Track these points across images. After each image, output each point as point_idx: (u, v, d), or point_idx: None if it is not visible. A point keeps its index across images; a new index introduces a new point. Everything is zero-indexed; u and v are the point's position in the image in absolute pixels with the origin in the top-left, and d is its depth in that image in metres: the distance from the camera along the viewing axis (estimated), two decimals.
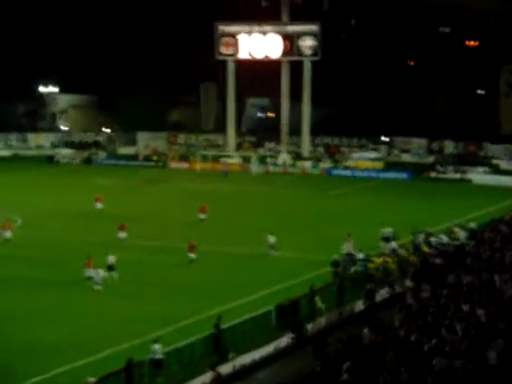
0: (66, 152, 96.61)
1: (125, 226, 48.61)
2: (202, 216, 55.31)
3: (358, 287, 36.95)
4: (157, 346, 28.03)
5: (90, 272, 38.98)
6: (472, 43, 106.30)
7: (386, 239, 45.53)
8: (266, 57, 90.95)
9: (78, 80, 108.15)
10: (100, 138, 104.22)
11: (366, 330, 26.46)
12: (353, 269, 39.30)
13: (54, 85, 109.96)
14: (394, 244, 44.11)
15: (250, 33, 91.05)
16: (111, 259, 39.85)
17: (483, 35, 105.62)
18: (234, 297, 36.92)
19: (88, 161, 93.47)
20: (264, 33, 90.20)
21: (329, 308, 34.66)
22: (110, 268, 39.58)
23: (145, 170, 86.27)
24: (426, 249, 42.07)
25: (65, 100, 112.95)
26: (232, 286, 39.17)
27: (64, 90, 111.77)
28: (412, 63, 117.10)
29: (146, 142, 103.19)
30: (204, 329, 30.86)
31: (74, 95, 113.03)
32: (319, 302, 34.17)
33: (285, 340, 31.05)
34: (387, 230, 46.63)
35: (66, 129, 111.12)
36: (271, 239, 45.92)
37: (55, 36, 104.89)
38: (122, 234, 48.20)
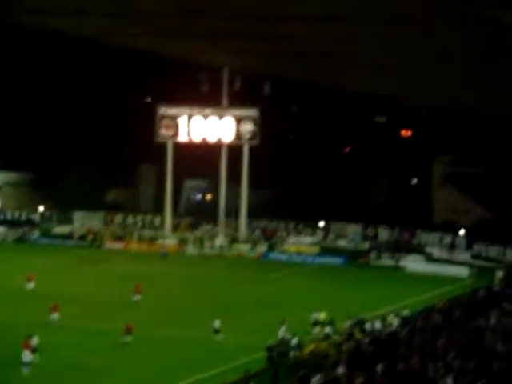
0: None
1: (57, 306, 47.63)
2: (137, 297, 54.59)
3: (293, 373, 36.66)
4: None
5: (26, 355, 37.71)
6: (406, 133, 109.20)
7: (320, 324, 45.56)
8: (205, 140, 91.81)
9: (12, 157, 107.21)
10: (34, 217, 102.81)
11: None
12: (291, 353, 39.01)
13: None
14: (328, 329, 44.21)
15: (190, 116, 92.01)
16: (34, 341, 38.66)
17: (417, 126, 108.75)
18: (166, 382, 36.27)
19: (21, 239, 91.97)
20: (204, 116, 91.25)
21: None
22: (34, 351, 38.31)
23: (80, 250, 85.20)
24: (359, 335, 42.15)
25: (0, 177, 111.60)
26: (166, 370, 38.52)
27: None
28: (347, 150, 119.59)
29: (82, 221, 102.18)
30: None
31: (8, 173, 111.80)
32: None
33: None
34: (321, 316, 46.72)
35: (0, 206, 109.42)
36: (216, 323, 45.41)
37: None
38: (55, 315, 47.16)
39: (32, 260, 74.91)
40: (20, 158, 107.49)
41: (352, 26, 15.79)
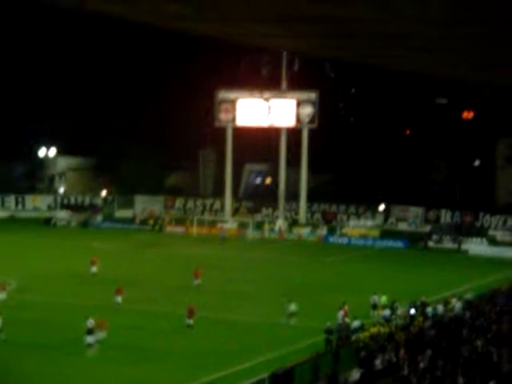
0: (62, 214, 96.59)
1: (121, 289, 48.39)
2: (197, 281, 55.07)
3: (354, 356, 36.67)
4: None
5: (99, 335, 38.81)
6: (468, 115, 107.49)
7: (380, 307, 45.42)
8: (265, 124, 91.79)
9: (76, 143, 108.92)
10: (97, 201, 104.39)
11: None
12: (354, 337, 38.92)
13: (53, 147, 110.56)
14: (387, 312, 44.05)
15: (249, 99, 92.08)
16: (90, 323, 39.42)
17: (479, 107, 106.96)
18: (228, 364, 36.58)
19: (85, 224, 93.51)
20: (263, 99, 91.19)
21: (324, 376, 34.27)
22: (90, 332, 38.97)
23: (141, 234, 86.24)
24: (420, 319, 41.82)
25: (63, 162, 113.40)
26: (227, 353, 38.82)
27: (63, 152, 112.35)
28: (408, 132, 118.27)
29: (144, 205, 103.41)
30: None
31: (72, 157, 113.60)
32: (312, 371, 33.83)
33: None
34: (382, 299, 46.56)
35: (64, 191, 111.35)
36: (291, 307, 45.07)
37: (56, 99, 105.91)
38: (118, 298, 47.96)
39: (95, 244, 76.10)
40: (83, 143, 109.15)
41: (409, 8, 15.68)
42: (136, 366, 36.49)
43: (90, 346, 38.20)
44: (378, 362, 36.28)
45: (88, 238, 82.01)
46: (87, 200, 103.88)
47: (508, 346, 31.72)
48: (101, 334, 38.67)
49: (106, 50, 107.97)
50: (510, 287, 48.96)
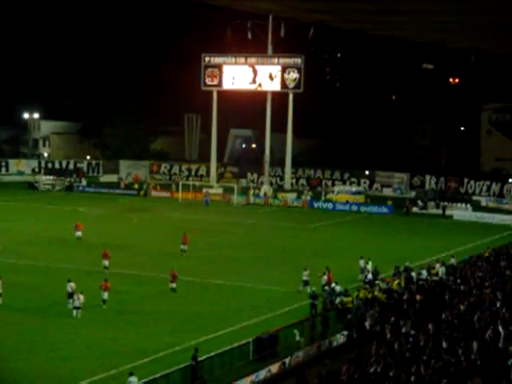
0: (47, 179, 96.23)
1: (107, 253, 48.45)
2: (184, 247, 55.14)
3: (339, 320, 36.98)
4: (132, 379, 27.77)
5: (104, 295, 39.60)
6: (454, 80, 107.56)
7: (365, 272, 45.70)
8: (250, 88, 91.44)
9: (61, 107, 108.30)
10: (82, 166, 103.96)
11: (344, 365, 26.37)
12: (337, 300, 39.14)
13: (37, 111, 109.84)
14: (370, 276, 44.36)
15: (235, 64, 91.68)
16: (71, 286, 39.45)
17: (465, 73, 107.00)
18: (212, 328, 36.76)
19: (69, 188, 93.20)
20: (249, 65, 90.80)
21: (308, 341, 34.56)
22: (70, 296, 39.02)
23: (126, 199, 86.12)
24: (403, 284, 42.03)
25: (47, 126, 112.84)
26: (211, 317, 39.00)
27: (47, 116, 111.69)
28: (394, 98, 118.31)
29: (128, 170, 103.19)
30: (182, 360, 30.68)
31: (56, 122, 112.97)
32: (298, 335, 34.08)
33: (263, 373, 30.88)
34: (367, 264, 46.84)
35: (48, 155, 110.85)
36: (305, 275, 44.23)
37: (40, 63, 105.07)
38: (106, 262, 48.07)
39: (80, 208, 75.93)
40: (67, 107, 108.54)
41: None
42: (121, 329, 36.62)
43: (74, 309, 38.24)
44: (367, 324, 36.55)
45: (72, 202, 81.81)
46: (71, 164, 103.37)
47: (489, 311, 32.00)
48: (81, 298, 38.50)
49: (92, 15, 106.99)
50: (494, 252, 49.32)
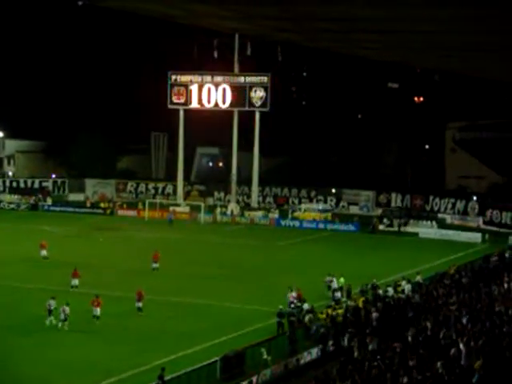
0: (11, 198, 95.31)
1: (77, 272, 48.19)
2: (155, 265, 55.02)
3: (307, 338, 37.06)
4: None
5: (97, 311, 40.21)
6: (419, 99, 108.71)
7: (336, 289, 45.86)
8: (217, 107, 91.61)
9: (25, 125, 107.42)
10: (47, 184, 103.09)
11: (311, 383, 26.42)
12: (306, 318, 39.22)
13: (1, 130, 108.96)
14: (338, 294, 44.54)
15: (201, 83, 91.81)
16: (51, 304, 39.74)
17: (429, 92, 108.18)
18: (179, 347, 36.62)
19: (34, 207, 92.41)
20: (216, 83, 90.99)
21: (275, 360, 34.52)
22: (50, 313, 39.46)
23: (92, 217, 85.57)
24: (370, 301, 42.23)
25: (12, 145, 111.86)
26: (178, 336, 38.88)
27: (11, 135, 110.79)
28: (360, 116, 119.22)
29: (95, 188, 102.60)
30: (148, 380, 30.49)
31: (21, 141, 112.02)
32: (265, 354, 34.05)
33: None
34: (340, 280, 47.07)
35: (12, 174, 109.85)
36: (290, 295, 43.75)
37: (2, 81, 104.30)
38: (75, 281, 47.80)
39: (45, 227, 75.31)
40: (32, 126, 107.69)
41: None
42: (86, 349, 36.35)
43: (60, 321, 38.96)
44: (329, 344, 36.69)
45: (38, 221, 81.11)
46: (37, 183, 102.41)
47: (455, 327, 32.26)
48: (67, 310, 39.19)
49: (55, 33, 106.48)
50: (459, 269, 49.73)
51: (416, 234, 78.28)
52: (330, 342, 36.04)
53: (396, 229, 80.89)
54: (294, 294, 43.09)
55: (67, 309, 39.07)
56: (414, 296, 41.39)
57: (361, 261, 62.27)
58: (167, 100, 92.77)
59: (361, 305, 40.57)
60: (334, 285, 46.91)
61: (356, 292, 45.24)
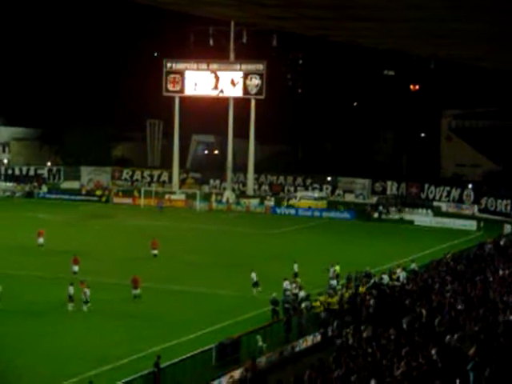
0: (6, 185, 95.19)
1: (77, 259, 48.25)
2: (155, 252, 55.19)
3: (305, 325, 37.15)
4: None
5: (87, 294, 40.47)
6: (415, 87, 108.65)
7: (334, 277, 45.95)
8: (212, 94, 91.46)
9: (21, 113, 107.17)
10: (42, 172, 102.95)
11: (307, 371, 26.47)
12: (303, 304, 39.27)
13: None
14: (334, 282, 44.58)
15: (197, 70, 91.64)
16: (71, 290, 40.54)
17: (425, 80, 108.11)
18: (175, 335, 36.66)
19: (29, 194, 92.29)
20: (211, 71, 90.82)
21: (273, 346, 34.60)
22: (70, 298, 40.50)
23: (88, 205, 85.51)
24: (362, 289, 42.22)
25: (7, 133, 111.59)
26: (173, 323, 38.91)
27: (6, 122, 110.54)
28: (355, 104, 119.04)
29: (90, 176, 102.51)
30: (144, 367, 30.54)
31: (16, 128, 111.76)
32: (260, 341, 34.10)
33: (224, 380, 30.85)
34: (336, 268, 47.09)
35: (8, 162, 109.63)
36: (253, 276, 45.36)
37: None
38: (75, 268, 47.87)
39: (41, 215, 75.25)
40: (28, 113, 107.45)
41: None
42: (82, 336, 36.39)
43: (84, 303, 40.12)
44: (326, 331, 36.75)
45: (33, 209, 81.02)
46: (32, 171, 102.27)
47: (450, 315, 32.33)
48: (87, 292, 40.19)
49: (52, 19, 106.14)
50: (454, 257, 49.82)
51: (411, 222, 78.41)
52: (329, 328, 36.16)
53: (391, 216, 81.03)
54: (286, 282, 43.08)
55: (87, 291, 40.01)
56: (409, 283, 41.46)
57: (356, 249, 62.31)
58: (162, 87, 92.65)
59: (362, 291, 40.58)
60: (331, 272, 46.95)
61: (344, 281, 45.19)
